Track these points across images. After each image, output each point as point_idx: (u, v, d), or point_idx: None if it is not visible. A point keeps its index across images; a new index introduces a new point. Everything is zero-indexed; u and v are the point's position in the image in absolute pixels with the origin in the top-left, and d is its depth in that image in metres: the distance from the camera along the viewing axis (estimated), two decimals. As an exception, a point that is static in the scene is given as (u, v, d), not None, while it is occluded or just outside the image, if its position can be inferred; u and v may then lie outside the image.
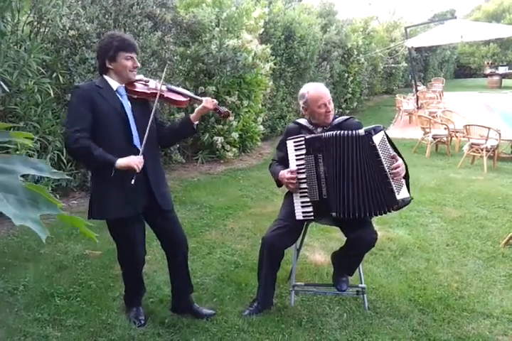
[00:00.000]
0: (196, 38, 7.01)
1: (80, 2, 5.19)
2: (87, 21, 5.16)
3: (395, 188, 2.67)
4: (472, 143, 7.53)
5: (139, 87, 2.61)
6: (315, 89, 2.94)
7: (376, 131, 2.68)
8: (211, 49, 6.86)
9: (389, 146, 2.70)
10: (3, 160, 0.79)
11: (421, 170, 7.33)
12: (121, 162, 2.37)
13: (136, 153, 2.45)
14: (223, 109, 2.83)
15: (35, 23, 4.76)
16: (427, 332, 2.85)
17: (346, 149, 2.73)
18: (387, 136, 2.75)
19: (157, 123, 2.70)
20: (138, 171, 2.38)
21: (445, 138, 8.53)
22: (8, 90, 4.19)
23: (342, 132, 2.75)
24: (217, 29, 7.04)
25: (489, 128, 7.28)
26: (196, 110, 2.71)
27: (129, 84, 2.59)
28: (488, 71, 27.27)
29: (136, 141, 2.54)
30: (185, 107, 2.97)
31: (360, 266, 3.12)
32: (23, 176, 0.79)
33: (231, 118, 7.21)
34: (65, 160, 4.90)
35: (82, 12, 5.13)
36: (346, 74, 13.03)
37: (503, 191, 6.00)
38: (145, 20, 5.85)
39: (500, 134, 7.25)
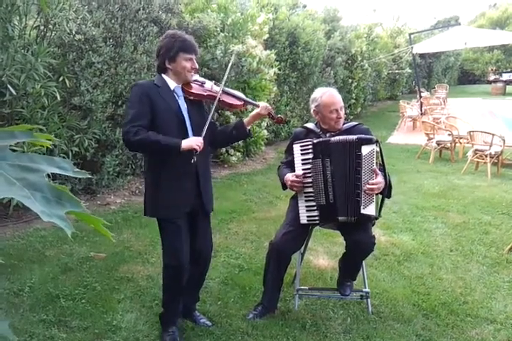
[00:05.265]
0: (201, 43, 7.04)
1: (86, 7, 5.22)
2: (93, 26, 5.19)
3: (362, 201, 2.70)
4: (476, 149, 7.52)
5: (196, 89, 2.61)
6: (329, 95, 2.96)
7: (368, 142, 2.73)
8: (216, 54, 6.90)
9: (374, 161, 2.72)
10: (29, 159, 0.81)
11: (425, 175, 7.34)
12: (185, 144, 2.40)
13: (190, 155, 2.46)
14: (277, 114, 2.85)
15: (42, 28, 4.79)
16: (430, 337, 2.85)
17: (343, 154, 2.78)
18: (381, 152, 2.79)
19: (211, 124, 2.67)
20: (198, 151, 2.41)
21: (449, 144, 8.53)
22: (15, 93, 4.22)
23: (344, 137, 2.81)
24: (222, 34, 7.08)
25: (493, 135, 7.28)
26: (251, 115, 2.76)
27: (186, 85, 2.59)
28: (491, 77, 27.30)
29: None
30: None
31: (364, 270, 3.13)
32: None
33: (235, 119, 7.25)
34: (70, 164, 4.92)
35: (89, 16, 5.16)
36: (350, 80, 13.05)
37: (507, 197, 6.00)
38: (151, 25, 5.88)
39: (504, 140, 7.25)
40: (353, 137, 2.77)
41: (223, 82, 2.69)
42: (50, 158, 0.85)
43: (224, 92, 2.70)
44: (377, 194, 2.76)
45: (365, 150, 2.71)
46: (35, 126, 1.04)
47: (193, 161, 2.43)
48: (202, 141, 2.44)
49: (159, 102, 2.48)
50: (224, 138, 2.85)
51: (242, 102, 2.75)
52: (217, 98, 2.61)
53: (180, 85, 2.58)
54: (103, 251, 3.95)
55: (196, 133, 2.54)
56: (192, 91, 2.59)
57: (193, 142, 2.42)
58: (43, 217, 0.73)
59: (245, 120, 2.75)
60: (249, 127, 2.75)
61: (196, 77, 2.67)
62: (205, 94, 2.62)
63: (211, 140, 2.69)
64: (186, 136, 2.53)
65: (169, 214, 2.58)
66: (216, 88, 2.68)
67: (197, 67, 2.59)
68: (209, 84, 2.69)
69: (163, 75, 2.58)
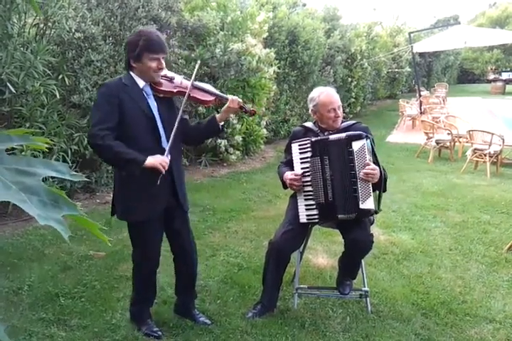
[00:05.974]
0: (201, 41, 7.04)
1: (85, 4, 5.22)
2: (92, 24, 5.19)
3: (360, 196, 2.71)
4: (475, 149, 7.52)
5: (165, 86, 2.54)
6: (326, 94, 2.97)
7: (358, 137, 2.75)
8: (215, 53, 6.89)
9: (366, 156, 2.73)
10: (26, 163, 0.81)
11: (424, 174, 7.33)
12: (149, 161, 2.32)
13: (162, 153, 2.40)
14: (248, 107, 2.82)
15: (42, 25, 4.79)
16: (429, 336, 2.85)
17: (339, 151, 2.80)
18: (372, 146, 2.80)
19: (182, 121, 2.60)
20: (163, 172, 2.34)
21: (448, 143, 8.53)
22: (14, 91, 4.22)
23: (339, 135, 2.83)
24: (221, 33, 7.08)
25: (492, 134, 7.28)
26: (222, 110, 2.69)
27: (155, 82, 2.51)
28: (491, 77, 27.32)
29: (164, 142, 2.49)
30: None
31: (363, 269, 3.13)
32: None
33: (234, 121, 7.23)
34: (69, 162, 4.92)
35: (88, 14, 5.16)
36: (350, 79, 13.05)
37: (506, 196, 6.00)
38: (150, 23, 5.87)
39: (503, 140, 7.26)
40: (343, 134, 2.80)
41: (193, 77, 2.61)
42: (47, 161, 0.85)
43: (194, 87, 2.62)
44: (374, 190, 2.77)
45: (356, 145, 2.74)
46: (32, 130, 1.04)
47: (158, 183, 2.34)
48: (167, 161, 2.37)
49: (128, 102, 2.41)
50: (197, 135, 2.79)
51: (214, 97, 2.67)
52: (188, 94, 2.55)
53: (149, 83, 2.51)
54: (102, 249, 3.94)
55: (167, 132, 2.48)
56: (162, 88, 2.52)
57: (156, 161, 2.33)
58: (39, 220, 0.72)
59: (218, 116, 2.68)
60: (221, 123, 2.69)
61: (165, 72, 2.58)
62: (175, 90, 2.56)
63: (184, 137, 2.63)
64: (157, 136, 2.48)
65: (140, 217, 2.52)
66: (186, 83, 2.61)
67: (163, 66, 2.48)
68: (179, 79, 2.61)
69: (132, 73, 2.49)
